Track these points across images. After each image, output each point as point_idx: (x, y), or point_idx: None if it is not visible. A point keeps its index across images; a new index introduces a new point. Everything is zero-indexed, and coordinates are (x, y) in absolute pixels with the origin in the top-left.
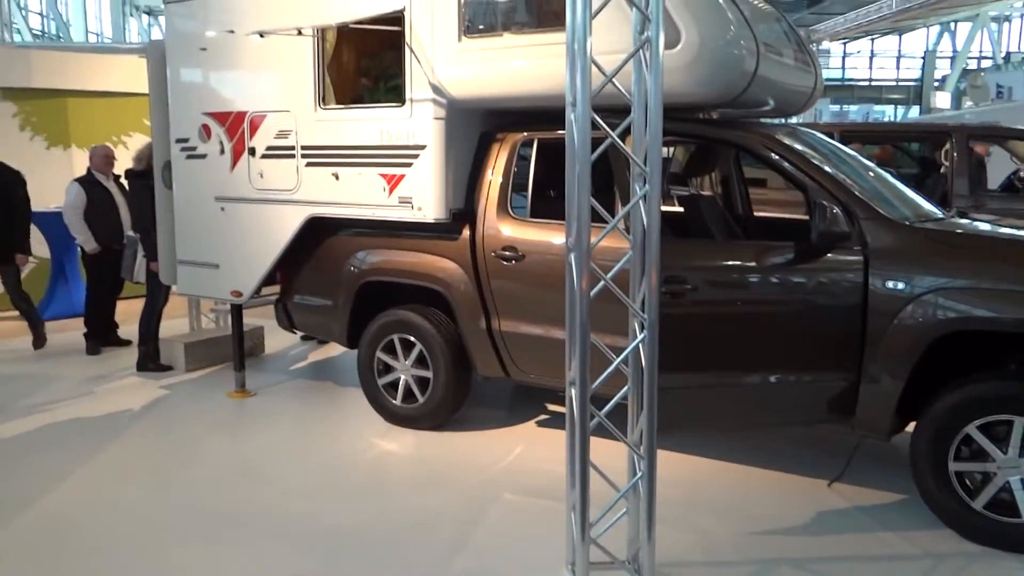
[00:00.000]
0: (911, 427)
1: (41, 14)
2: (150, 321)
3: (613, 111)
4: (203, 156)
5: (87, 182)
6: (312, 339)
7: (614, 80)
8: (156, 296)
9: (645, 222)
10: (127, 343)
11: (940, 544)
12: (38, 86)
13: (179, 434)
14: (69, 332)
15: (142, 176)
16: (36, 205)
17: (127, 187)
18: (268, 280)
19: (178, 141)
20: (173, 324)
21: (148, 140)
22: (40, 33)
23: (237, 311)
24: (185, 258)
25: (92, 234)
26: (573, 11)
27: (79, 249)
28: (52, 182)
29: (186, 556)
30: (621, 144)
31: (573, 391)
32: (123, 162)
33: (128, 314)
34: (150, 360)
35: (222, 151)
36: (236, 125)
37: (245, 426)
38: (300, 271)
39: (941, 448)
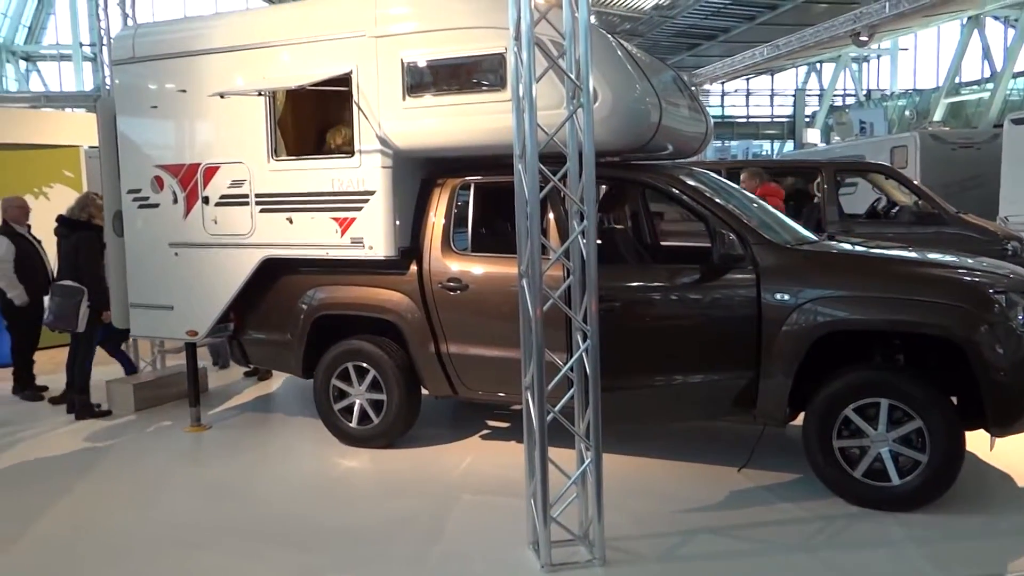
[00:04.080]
0: (802, 416)
1: None
2: (87, 370)
3: (543, 158)
4: (156, 205)
5: (11, 234)
6: (253, 376)
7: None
8: (93, 344)
9: (584, 251)
10: (44, 388)
11: (829, 509)
12: None
13: (149, 465)
14: (3, 382)
15: (85, 227)
16: None
17: (60, 237)
18: (221, 319)
19: (130, 192)
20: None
21: (84, 191)
22: None
23: (191, 349)
24: (138, 301)
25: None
26: (517, 80)
27: (4, 302)
28: None
29: (195, 562)
30: (562, 187)
31: (530, 394)
32: (44, 213)
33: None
34: (88, 407)
35: (175, 200)
36: (189, 176)
37: (210, 455)
38: (255, 308)
39: (826, 429)
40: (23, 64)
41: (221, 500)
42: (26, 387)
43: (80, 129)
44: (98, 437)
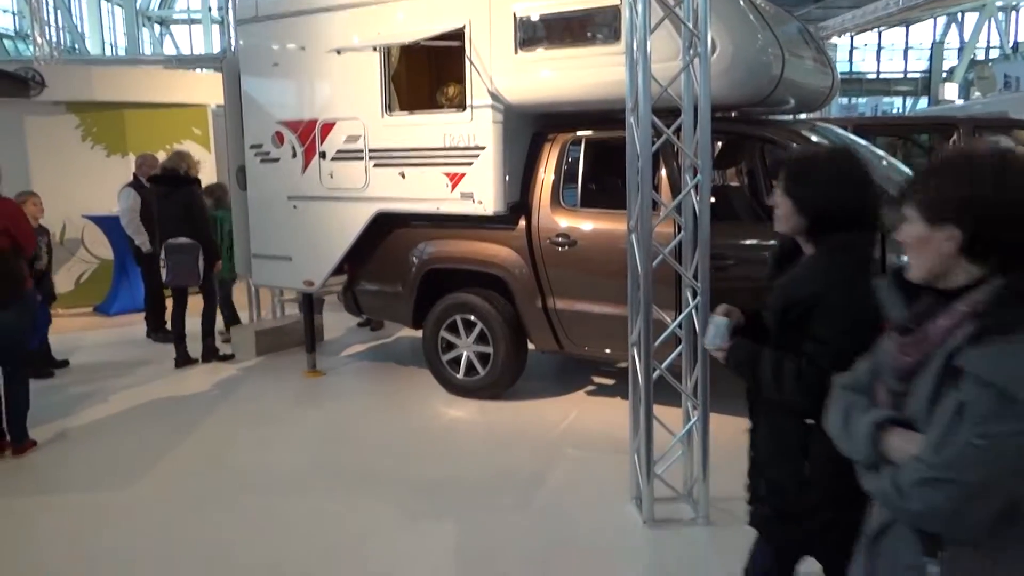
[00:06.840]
0: None
1: (57, 26)
2: (212, 318)
3: (656, 111)
4: (276, 160)
5: (138, 187)
6: (366, 326)
7: (664, 87)
8: (215, 295)
9: (696, 207)
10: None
11: None
12: (99, 99)
13: (267, 407)
14: (136, 325)
15: (189, 181)
16: (99, 210)
17: (160, 196)
18: (335, 270)
19: (252, 147)
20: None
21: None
22: (56, 44)
23: (308, 298)
24: (259, 252)
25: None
26: (632, 31)
27: (134, 249)
28: (113, 187)
29: (312, 504)
30: (676, 140)
31: (636, 350)
32: None
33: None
34: (214, 351)
35: (294, 155)
36: (308, 132)
37: (325, 399)
38: (368, 261)
39: None
40: (157, 28)
41: (332, 444)
42: (157, 330)
43: (208, 88)
44: (222, 379)
